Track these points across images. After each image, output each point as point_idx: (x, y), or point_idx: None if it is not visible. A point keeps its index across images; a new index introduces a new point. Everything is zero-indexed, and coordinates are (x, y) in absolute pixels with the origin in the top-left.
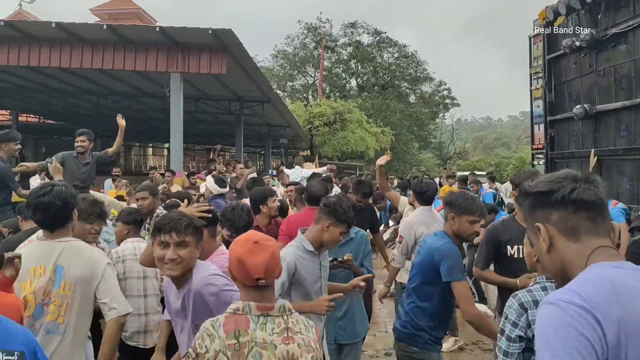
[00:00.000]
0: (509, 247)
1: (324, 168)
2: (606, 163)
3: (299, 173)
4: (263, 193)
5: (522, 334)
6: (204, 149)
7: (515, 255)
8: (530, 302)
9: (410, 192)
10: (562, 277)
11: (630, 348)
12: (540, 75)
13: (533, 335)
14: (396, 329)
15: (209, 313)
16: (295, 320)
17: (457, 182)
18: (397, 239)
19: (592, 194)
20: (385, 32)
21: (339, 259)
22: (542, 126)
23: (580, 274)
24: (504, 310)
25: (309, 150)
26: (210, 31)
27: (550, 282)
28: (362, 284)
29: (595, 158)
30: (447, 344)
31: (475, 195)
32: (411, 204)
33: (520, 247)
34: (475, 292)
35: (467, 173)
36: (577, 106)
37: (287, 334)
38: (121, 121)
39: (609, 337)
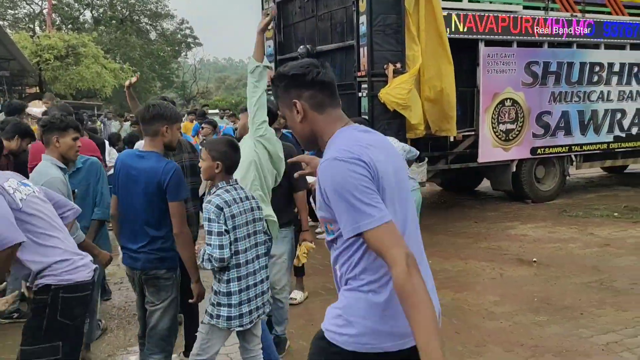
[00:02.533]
0: None
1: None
2: None
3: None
4: None
5: (226, 228)
6: None
7: None
8: (223, 203)
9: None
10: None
11: (383, 182)
12: None
13: (232, 227)
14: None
15: None
16: None
17: (195, 117)
18: None
19: (330, 77)
20: None
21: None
22: (273, 65)
23: (337, 136)
24: (204, 215)
25: (38, 87)
26: None
27: (230, 186)
28: None
29: None
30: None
31: None
32: None
33: None
34: None
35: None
36: (301, 47)
37: None
38: None
39: (374, 173)
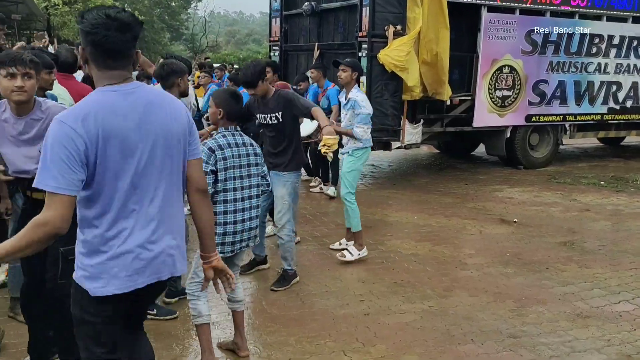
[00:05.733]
0: None
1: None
2: (327, 55)
3: None
4: None
5: (214, 169)
6: None
7: None
8: (216, 146)
9: None
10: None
11: (109, 147)
12: None
13: (223, 168)
14: None
15: None
16: None
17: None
18: None
19: (116, 42)
20: None
21: None
22: (278, 20)
23: (86, 97)
24: None
25: (46, 32)
26: None
27: (228, 132)
28: None
29: (318, 51)
30: None
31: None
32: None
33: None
34: None
35: (217, 65)
36: (306, 3)
37: None
38: None
39: (88, 140)
